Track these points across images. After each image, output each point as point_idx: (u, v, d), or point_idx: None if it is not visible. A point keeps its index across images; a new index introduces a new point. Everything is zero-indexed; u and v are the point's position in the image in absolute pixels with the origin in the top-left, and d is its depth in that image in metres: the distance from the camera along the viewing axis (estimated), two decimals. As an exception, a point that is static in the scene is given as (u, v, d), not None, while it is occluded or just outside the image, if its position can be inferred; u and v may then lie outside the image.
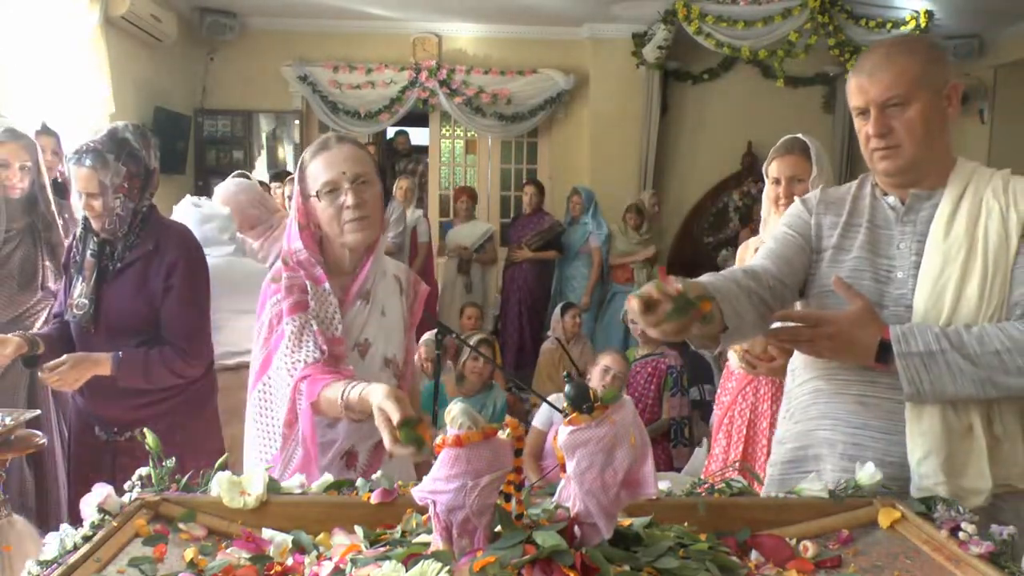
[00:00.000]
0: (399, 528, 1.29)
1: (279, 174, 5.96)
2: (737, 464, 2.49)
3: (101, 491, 1.33)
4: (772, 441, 1.86)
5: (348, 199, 1.72)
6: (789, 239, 1.70)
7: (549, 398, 1.49)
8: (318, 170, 1.76)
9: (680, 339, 1.42)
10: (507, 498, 1.14)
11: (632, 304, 1.33)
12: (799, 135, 2.42)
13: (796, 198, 1.79)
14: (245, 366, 2.48)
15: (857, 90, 1.59)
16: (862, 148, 1.63)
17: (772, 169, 2.41)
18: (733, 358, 2.55)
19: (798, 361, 1.76)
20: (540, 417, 4.08)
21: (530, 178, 7.52)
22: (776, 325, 1.60)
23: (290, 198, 2.54)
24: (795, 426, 1.72)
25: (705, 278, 1.55)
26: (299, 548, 1.29)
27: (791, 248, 1.68)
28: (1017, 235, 1.52)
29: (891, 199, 1.64)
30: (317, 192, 1.74)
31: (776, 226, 1.78)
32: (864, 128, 1.60)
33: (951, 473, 1.50)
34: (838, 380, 1.63)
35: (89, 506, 1.32)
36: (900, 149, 1.57)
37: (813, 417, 1.67)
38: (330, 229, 1.76)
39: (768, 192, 2.44)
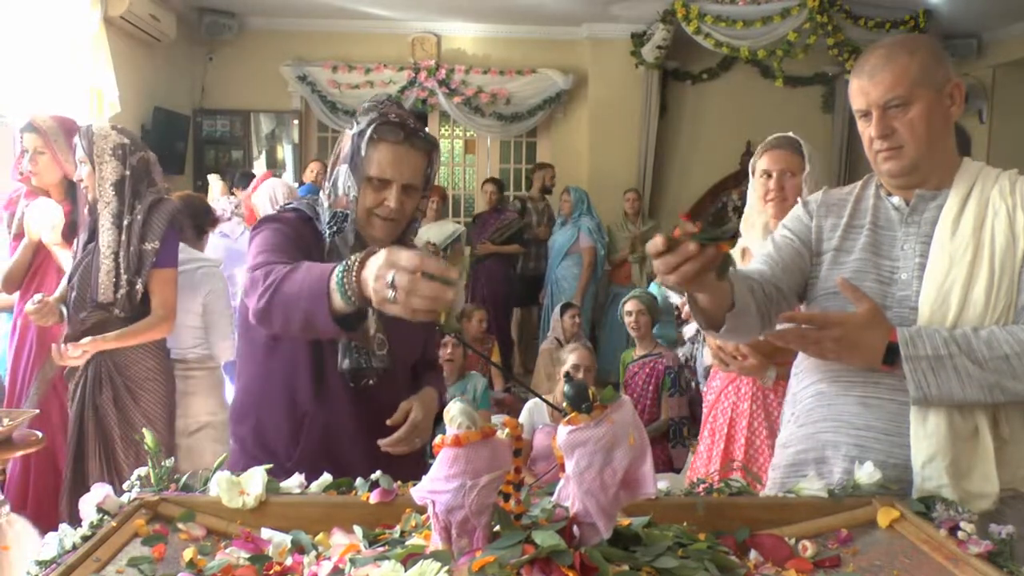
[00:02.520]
0: (398, 528, 1.29)
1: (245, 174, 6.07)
2: (735, 464, 2.48)
3: (100, 491, 1.33)
4: (776, 444, 1.83)
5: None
6: (788, 244, 1.69)
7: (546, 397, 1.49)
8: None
9: (693, 288, 1.38)
10: (506, 498, 1.14)
11: (655, 242, 1.26)
12: (789, 134, 2.39)
13: (799, 200, 1.77)
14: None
15: (858, 92, 1.57)
16: (866, 150, 1.62)
17: (762, 163, 2.35)
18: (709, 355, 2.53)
19: (802, 364, 1.74)
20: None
21: (490, 176, 7.40)
22: (782, 327, 1.58)
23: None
24: (799, 430, 1.70)
25: None
26: (298, 548, 1.28)
27: (790, 254, 1.67)
28: None
29: (895, 200, 1.62)
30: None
31: (777, 229, 1.76)
32: (867, 130, 1.58)
33: (956, 476, 1.48)
34: (841, 382, 1.61)
35: (88, 506, 1.32)
36: (903, 150, 1.55)
37: (816, 420, 1.66)
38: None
39: (756, 187, 2.37)
